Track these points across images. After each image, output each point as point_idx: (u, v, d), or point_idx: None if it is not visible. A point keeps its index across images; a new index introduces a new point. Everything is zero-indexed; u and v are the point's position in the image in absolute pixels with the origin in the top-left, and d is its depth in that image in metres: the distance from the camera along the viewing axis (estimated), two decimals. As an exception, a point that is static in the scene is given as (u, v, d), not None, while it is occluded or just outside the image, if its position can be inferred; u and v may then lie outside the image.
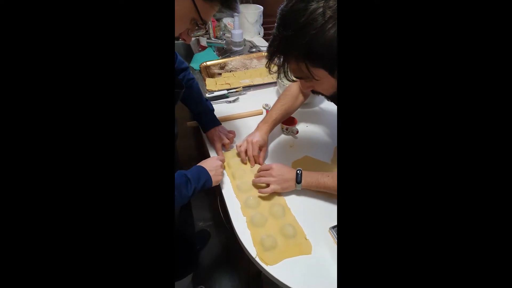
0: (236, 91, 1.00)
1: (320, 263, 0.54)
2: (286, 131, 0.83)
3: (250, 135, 0.75)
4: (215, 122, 0.80)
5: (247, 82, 1.06)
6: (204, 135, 0.82)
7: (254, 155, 0.72)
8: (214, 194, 1.30)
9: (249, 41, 1.39)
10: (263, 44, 1.37)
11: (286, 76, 0.52)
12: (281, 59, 0.50)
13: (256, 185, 0.67)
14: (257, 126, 0.77)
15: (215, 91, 0.99)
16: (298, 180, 0.63)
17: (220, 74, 1.12)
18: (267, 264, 0.53)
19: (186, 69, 0.80)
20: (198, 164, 0.66)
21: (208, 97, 0.96)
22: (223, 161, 0.71)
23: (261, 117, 0.90)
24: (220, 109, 0.93)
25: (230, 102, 0.96)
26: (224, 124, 0.87)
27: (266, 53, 0.52)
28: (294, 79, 0.53)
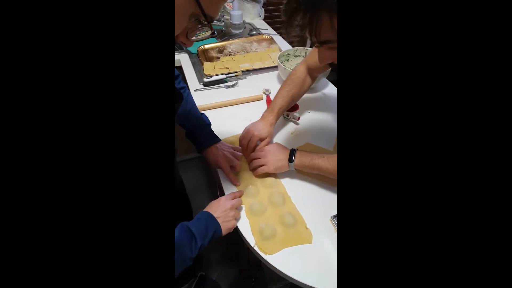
0: (235, 76, 0.96)
1: (321, 253, 0.52)
2: (287, 117, 0.80)
3: (253, 124, 0.69)
4: (214, 138, 0.67)
5: (246, 66, 1.01)
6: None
7: (252, 146, 0.67)
8: (214, 183, 1.28)
9: (249, 24, 1.33)
10: (263, 26, 1.31)
11: (312, 39, 0.40)
12: (308, 16, 0.38)
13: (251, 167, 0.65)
14: (262, 115, 0.71)
15: (213, 75, 0.96)
16: (291, 158, 0.60)
17: (218, 58, 1.07)
18: (266, 253, 0.52)
19: (178, 77, 0.68)
20: (205, 210, 0.54)
21: (206, 82, 0.93)
22: (240, 195, 0.59)
23: (261, 103, 0.87)
24: (218, 94, 0.90)
25: (228, 87, 0.93)
26: (222, 110, 0.84)
27: (284, 8, 0.40)
28: (318, 44, 0.41)
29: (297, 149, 0.62)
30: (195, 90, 0.91)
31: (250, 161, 0.65)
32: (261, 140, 0.68)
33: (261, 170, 0.62)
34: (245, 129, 0.70)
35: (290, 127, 0.79)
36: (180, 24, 0.34)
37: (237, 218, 0.56)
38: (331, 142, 0.74)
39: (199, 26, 0.36)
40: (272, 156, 0.62)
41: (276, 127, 0.78)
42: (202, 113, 0.70)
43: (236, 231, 0.58)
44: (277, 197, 0.60)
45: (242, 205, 0.59)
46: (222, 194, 0.64)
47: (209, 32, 0.38)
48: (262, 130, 0.67)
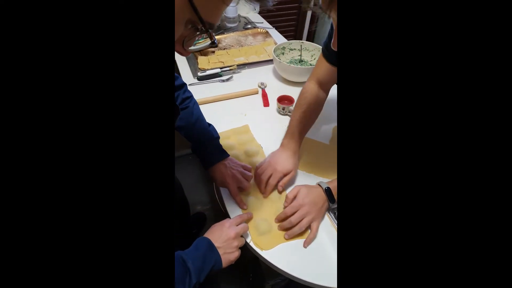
0: (230, 70, 0.95)
1: (318, 247, 0.51)
2: (283, 111, 0.79)
3: (274, 155, 0.60)
4: (222, 154, 0.59)
5: (241, 60, 1.00)
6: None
7: (274, 183, 0.57)
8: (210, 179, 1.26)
9: (244, 17, 1.31)
10: (259, 20, 1.29)
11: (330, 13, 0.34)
12: None
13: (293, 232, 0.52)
14: (282, 144, 0.62)
15: (208, 69, 0.94)
16: (332, 199, 0.53)
17: (213, 52, 1.05)
18: (262, 249, 0.51)
19: (182, 86, 0.61)
20: (205, 236, 0.47)
21: (200, 76, 0.91)
22: (248, 219, 0.52)
23: (256, 96, 0.85)
24: (213, 88, 0.88)
25: (223, 81, 0.91)
26: (217, 104, 0.83)
27: None
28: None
29: (327, 185, 0.54)
30: (189, 85, 0.89)
31: (289, 225, 0.51)
32: (285, 174, 0.58)
33: (316, 229, 0.51)
34: (265, 161, 0.60)
35: (287, 121, 0.78)
36: (177, 31, 0.29)
37: (241, 247, 0.49)
38: (328, 136, 0.73)
39: (197, 33, 0.31)
40: (314, 206, 0.52)
41: (272, 121, 0.77)
42: (210, 125, 0.63)
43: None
44: (273, 193, 0.59)
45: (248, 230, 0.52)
46: (219, 193, 0.62)
47: (209, 41, 0.34)
48: (286, 162, 0.58)
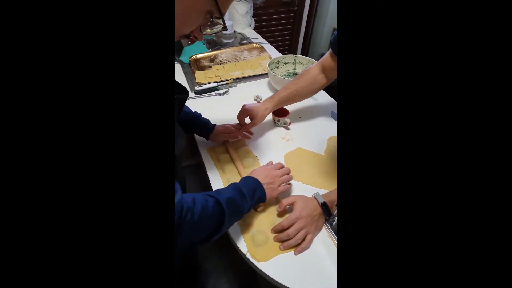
0: (227, 84, 0.97)
1: (315, 258, 0.51)
2: (278, 123, 0.80)
3: (250, 105, 0.73)
4: (211, 123, 0.73)
5: (237, 74, 1.02)
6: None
7: (241, 119, 0.72)
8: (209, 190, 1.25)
9: (240, 33, 1.35)
10: (254, 35, 1.34)
11: None
12: None
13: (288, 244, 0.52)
14: (263, 101, 0.75)
15: (205, 83, 0.96)
16: (328, 213, 0.54)
17: (210, 67, 1.08)
18: (258, 261, 0.51)
19: None
20: (251, 175, 0.55)
21: (197, 90, 0.93)
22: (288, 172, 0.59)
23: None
24: (210, 101, 0.90)
25: (220, 94, 0.93)
26: (214, 117, 0.84)
27: None
28: None
29: (323, 199, 0.55)
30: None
31: (286, 237, 0.52)
32: (250, 118, 0.71)
33: (310, 240, 0.52)
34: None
35: (281, 132, 0.79)
36: (196, 20, 0.38)
37: (283, 184, 0.57)
38: (322, 147, 0.74)
39: (210, 21, 0.39)
40: (311, 219, 0.53)
41: (268, 132, 0.79)
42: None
43: (228, 239, 0.57)
44: (269, 204, 0.59)
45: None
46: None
47: (221, 26, 0.41)
48: (254, 110, 0.71)
